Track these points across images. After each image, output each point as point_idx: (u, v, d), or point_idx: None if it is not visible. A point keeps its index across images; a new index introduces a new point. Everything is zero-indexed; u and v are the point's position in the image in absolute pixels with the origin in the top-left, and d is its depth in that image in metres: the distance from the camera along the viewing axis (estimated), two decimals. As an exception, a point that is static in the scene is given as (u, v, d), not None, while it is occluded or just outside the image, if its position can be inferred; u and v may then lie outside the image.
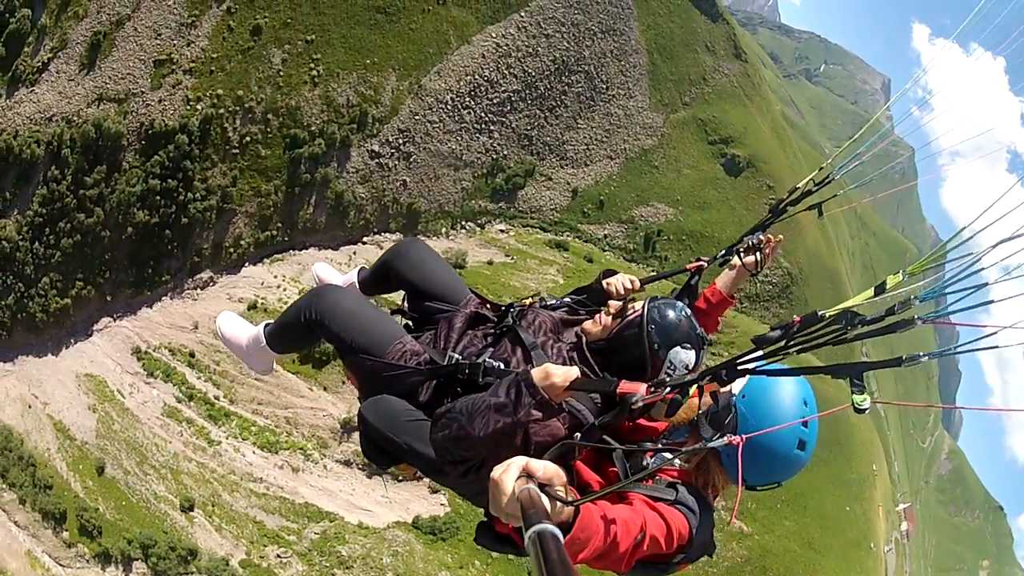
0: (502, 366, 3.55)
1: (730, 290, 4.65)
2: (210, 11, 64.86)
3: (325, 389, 56.86)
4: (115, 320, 61.89)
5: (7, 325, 59.05)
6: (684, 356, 3.53)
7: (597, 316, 3.84)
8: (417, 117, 65.20)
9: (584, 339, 3.81)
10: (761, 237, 4.63)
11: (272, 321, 4.52)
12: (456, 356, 3.66)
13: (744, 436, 2.99)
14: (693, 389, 3.06)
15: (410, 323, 4.28)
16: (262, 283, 63.71)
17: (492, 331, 3.89)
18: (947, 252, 2.85)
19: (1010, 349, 2.66)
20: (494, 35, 67.52)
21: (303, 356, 57.53)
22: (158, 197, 62.02)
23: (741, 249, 4.65)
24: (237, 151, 62.31)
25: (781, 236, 4.77)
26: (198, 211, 62.63)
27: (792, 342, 2.76)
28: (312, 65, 64.16)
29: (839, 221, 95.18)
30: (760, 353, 2.79)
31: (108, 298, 61.76)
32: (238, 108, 62.96)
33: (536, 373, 3.08)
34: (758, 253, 4.61)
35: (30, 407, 56.02)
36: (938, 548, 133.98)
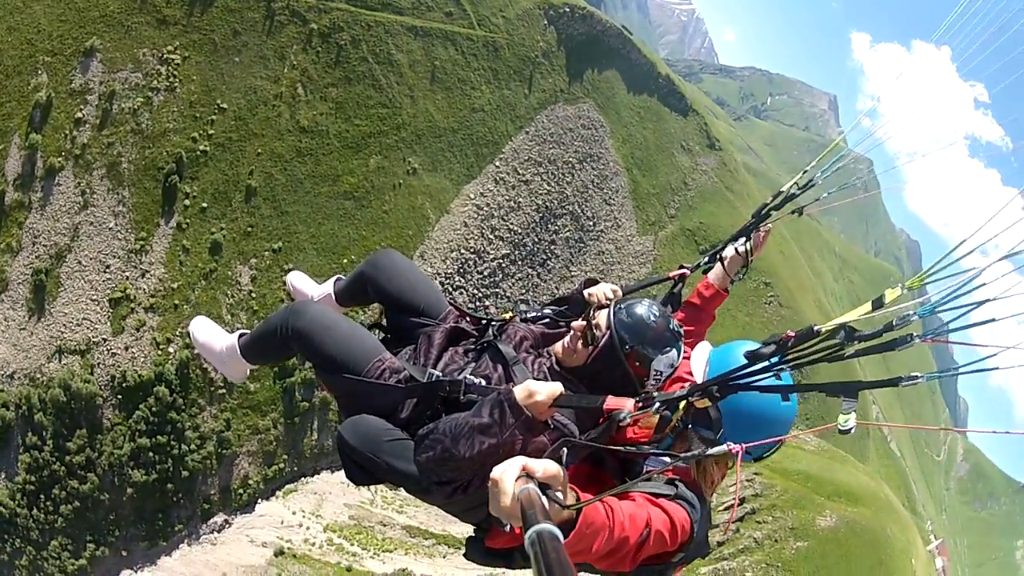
0: (483, 383, 3.32)
1: (723, 284, 4.44)
2: (158, 230, 54.86)
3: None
4: (136, 572, 54.16)
5: None
6: (667, 359, 3.34)
7: (566, 341, 3.53)
8: (408, 311, 58.16)
9: (555, 361, 3.55)
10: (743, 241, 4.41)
11: (247, 331, 4.26)
12: (436, 373, 3.44)
13: (744, 445, 2.61)
14: (681, 405, 2.85)
15: (388, 336, 3.97)
16: (282, 522, 56.53)
17: (473, 347, 3.65)
18: (948, 266, 2.57)
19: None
20: (472, 196, 59.31)
21: None
22: (151, 454, 53.45)
23: (724, 257, 4.46)
24: (224, 390, 53.98)
25: (771, 226, 4.58)
26: (196, 462, 54.33)
27: (786, 358, 2.60)
28: (285, 279, 55.89)
29: (823, 272, 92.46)
30: (753, 368, 2.64)
31: (124, 553, 54.24)
32: (215, 342, 55.17)
33: (519, 392, 2.90)
34: (749, 243, 4.41)
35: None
36: (971, 547, 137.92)
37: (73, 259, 54.54)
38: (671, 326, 3.40)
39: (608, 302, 3.66)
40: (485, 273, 60.25)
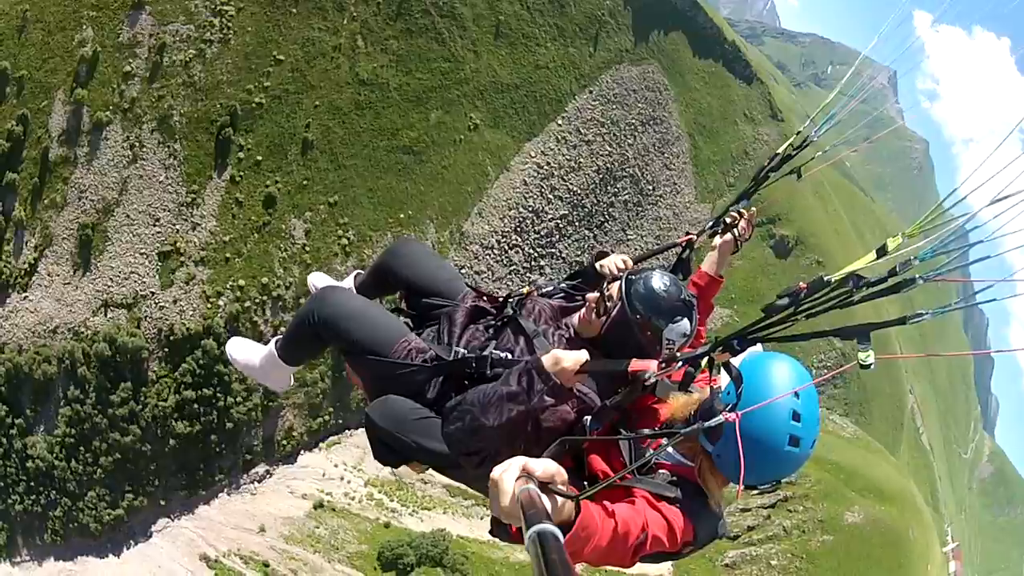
0: (508, 356, 3.36)
1: (717, 270, 4.31)
2: (210, 183, 52.69)
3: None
4: (173, 520, 52.97)
5: (60, 533, 50.89)
6: (679, 328, 3.26)
7: (582, 312, 3.51)
8: (463, 270, 54.99)
9: (572, 333, 3.54)
10: (735, 213, 4.35)
11: (280, 336, 4.18)
12: (461, 350, 3.46)
13: (739, 413, 2.62)
14: (704, 361, 2.89)
15: (409, 321, 3.94)
16: (323, 474, 55.30)
17: (493, 323, 3.65)
18: (944, 212, 2.70)
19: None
20: (533, 154, 56.73)
21: (386, 563, 51.58)
22: (196, 406, 52.06)
23: (727, 220, 4.36)
24: (275, 346, 52.51)
25: (754, 209, 4.46)
26: (241, 414, 52.92)
27: (801, 308, 2.71)
28: (340, 232, 53.39)
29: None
30: (770, 321, 2.72)
31: (162, 502, 52.33)
32: (266, 297, 52.28)
33: (547, 359, 2.99)
34: (735, 228, 4.32)
35: (105, 616, 48.13)
36: (984, 552, 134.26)
37: (121, 213, 52.47)
38: (683, 296, 3.33)
39: (620, 273, 3.64)
40: (542, 233, 57.57)
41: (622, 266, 3.76)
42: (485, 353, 3.39)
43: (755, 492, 3.05)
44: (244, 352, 4.46)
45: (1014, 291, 2.41)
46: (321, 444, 56.08)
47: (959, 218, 2.60)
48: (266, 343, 4.39)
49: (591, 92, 58.97)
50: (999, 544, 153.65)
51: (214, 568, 52.87)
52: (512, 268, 56.76)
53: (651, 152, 61.05)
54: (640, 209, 61.16)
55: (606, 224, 60.05)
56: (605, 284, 3.50)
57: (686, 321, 3.28)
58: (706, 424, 2.67)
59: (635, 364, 2.92)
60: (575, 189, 58.43)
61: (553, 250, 57.80)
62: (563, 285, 3.98)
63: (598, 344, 3.41)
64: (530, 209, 56.77)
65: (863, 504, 61.44)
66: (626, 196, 60.42)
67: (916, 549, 65.06)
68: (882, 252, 2.71)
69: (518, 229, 56.49)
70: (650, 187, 61.29)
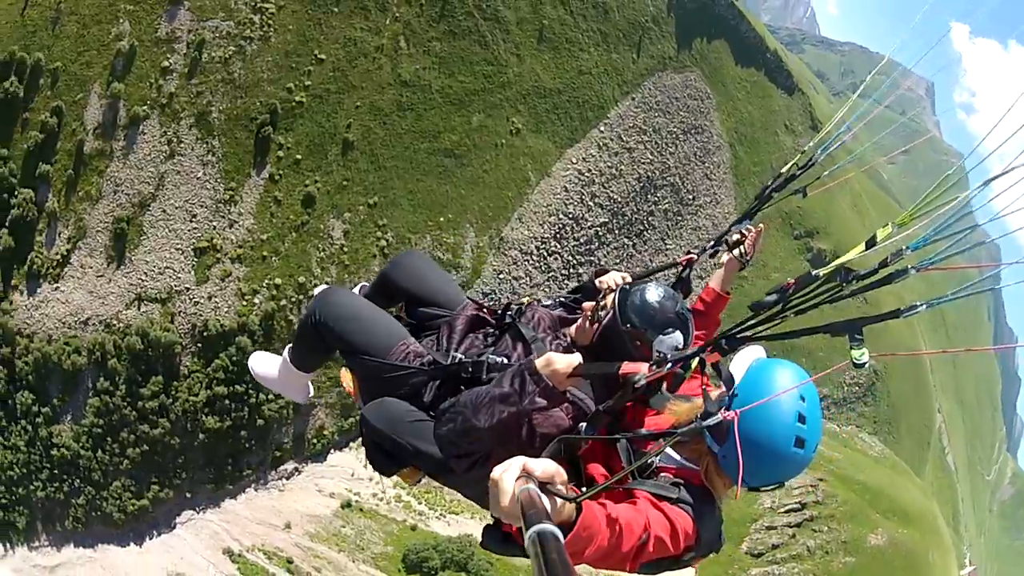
0: (505, 361, 3.34)
1: (723, 287, 4.34)
2: (249, 181, 52.10)
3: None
4: (198, 513, 52.28)
5: (82, 520, 50.10)
6: (670, 341, 3.19)
7: (578, 322, 3.54)
8: (502, 276, 54.10)
9: (570, 342, 3.52)
10: (743, 230, 4.34)
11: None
12: (459, 356, 3.46)
13: (738, 411, 2.63)
14: (695, 362, 2.93)
15: (410, 329, 3.84)
16: (352, 474, 54.73)
17: (492, 332, 3.68)
18: (935, 199, 2.61)
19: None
20: (574, 160, 55.99)
21: (411, 565, 50.89)
22: (227, 401, 51.68)
23: (729, 240, 4.35)
24: (310, 346, 51.79)
25: (761, 225, 4.41)
26: (273, 411, 52.63)
27: (790, 305, 2.69)
28: (379, 233, 52.58)
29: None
30: (759, 319, 2.71)
31: (188, 495, 51.63)
32: (302, 297, 51.44)
33: (539, 361, 2.98)
34: (741, 247, 4.29)
35: (123, 606, 47.35)
36: None
37: (157, 208, 51.89)
38: (677, 309, 3.29)
39: (617, 287, 3.57)
40: (581, 240, 56.65)
41: (620, 281, 3.72)
42: (482, 358, 3.37)
43: (766, 490, 2.94)
44: (264, 365, 4.47)
45: (1022, 276, 2.29)
46: (352, 444, 55.52)
47: (951, 202, 2.48)
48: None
49: (633, 99, 58.21)
50: (1016, 568, 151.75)
51: (237, 562, 52.46)
52: (550, 275, 55.84)
53: (692, 161, 60.18)
54: (680, 219, 60.23)
55: (645, 233, 59.12)
56: (603, 295, 3.49)
57: (678, 334, 3.22)
58: (704, 423, 2.64)
59: (626, 367, 2.91)
60: (616, 197, 57.54)
61: (592, 258, 56.92)
62: (563, 298, 3.96)
63: (591, 353, 3.35)
64: (570, 216, 55.87)
65: (887, 527, 60.90)
66: (666, 205, 59.53)
67: (935, 573, 64.28)
68: (872, 243, 2.62)
69: (557, 235, 55.59)
70: (690, 196, 60.39)
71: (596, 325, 3.41)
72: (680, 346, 3.21)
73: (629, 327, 3.24)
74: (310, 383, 4.49)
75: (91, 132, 51.44)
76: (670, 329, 3.22)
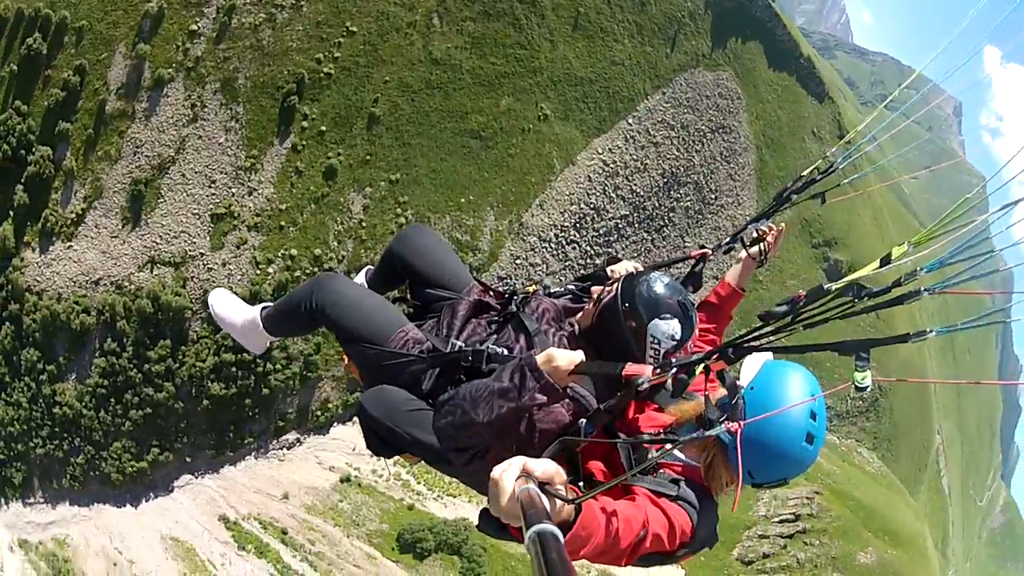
0: (506, 352, 3.26)
1: (740, 283, 4.24)
2: (271, 150, 51.47)
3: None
4: (197, 478, 52.31)
5: (80, 479, 49.99)
6: (665, 327, 3.11)
7: (586, 306, 3.47)
8: (518, 261, 53.53)
9: (577, 329, 3.48)
10: (763, 227, 4.22)
11: (270, 304, 4.14)
12: (459, 343, 3.37)
13: (743, 422, 2.63)
14: (699, 369, 2.85)
15: (411, 311, 3.85)
16: (353, 448, 54.10)
17: (496, 318, 3.57)
18: (952, 220, 2.52)
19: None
20: (600, 151, 55.24)
21: (404, 545, 50.54)
22: (234, 369, 51.30)
23: (746, 238, 4.28)
24: (320, 319, 51.13)
25: (783, 224, 4.35)
26: (279, 381, 52.11)
27: (799, 317, 2.64)
28: (399, 210, 51.90)
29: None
30: (768, 329, 2.68)
31: (188, 459, 51.39)
32: (316, 269, 51.00)
33: (540, 357, 2.91)
34: (762, 243, 4.19)
35: (115, 565, 48.10)
36: None
37: (177, 171, 51.28)
38: (679, 299, 3.21)
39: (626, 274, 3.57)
40: (601, 231, 55.94)
41: (631, 270, 3.67)
42: (482, 347, 3.30)
43: (768, 486, 2.87)
44: (227, 307, 4.33)
45: None
46: (355, 418, 54.82)
47: (968, 225, 2.41)
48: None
49: (664, 93, 57.46)
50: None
51: (232, 530, 52.53)
52: (567, 263, 55.17)
53: (718, 160, 59.44)
54: (700, 218, 59.52)
55: (665, 229, 58.41)
56: (612, 281, 3.43)
57: (676, 322, 3.14)
58: (706, 433, 2.64)
59: (630, 368, 2.85)
60: (638, 190, 56.79)
61: (610, 249, 56.26)
62: (571, 287, 3.88)
63: (591, 336, 3.36)
64: (591, 206, 55.14)
65: (876, 546, 60.82)
66: (688, 203, 58.77)
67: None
68: (886, 261, 2.61)
69: (577, 225, 54.89)
70: (713, 196, 59.66)
71: (596, 304, 3.38)
72: (676, 336, 3.14)
73: (627, 306, 3.18)
74: (270, 342, 4.34)
75: (114, 92, 50.80)
76: (667, 315, 3.14)
